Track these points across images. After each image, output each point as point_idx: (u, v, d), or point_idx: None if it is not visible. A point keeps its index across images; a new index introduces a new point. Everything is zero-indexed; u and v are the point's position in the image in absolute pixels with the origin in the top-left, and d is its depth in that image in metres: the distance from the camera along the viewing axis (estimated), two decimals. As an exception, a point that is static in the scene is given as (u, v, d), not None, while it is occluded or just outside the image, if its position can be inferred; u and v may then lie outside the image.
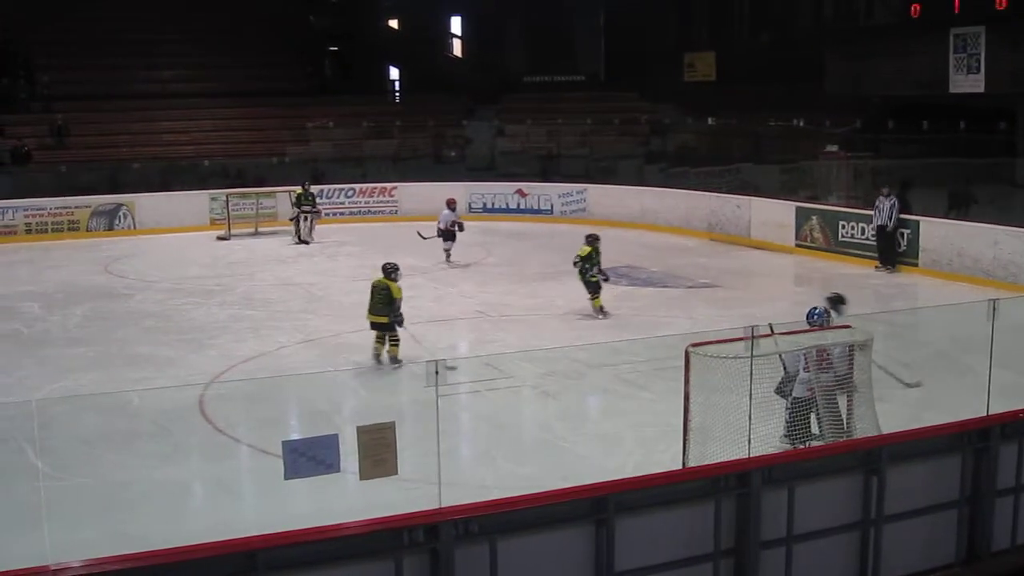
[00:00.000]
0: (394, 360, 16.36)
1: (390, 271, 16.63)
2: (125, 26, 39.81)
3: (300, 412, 14.43)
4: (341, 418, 13.82)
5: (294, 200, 30.36)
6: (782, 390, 11.49)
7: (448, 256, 25.97)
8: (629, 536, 8.87)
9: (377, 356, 16.42)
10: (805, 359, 11.41)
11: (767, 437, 10.43)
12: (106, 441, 13.22)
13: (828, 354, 11.33)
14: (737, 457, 9.74)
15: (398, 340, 16.38)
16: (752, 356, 9.92)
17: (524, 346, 17.53)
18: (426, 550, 8.30)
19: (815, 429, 11.35)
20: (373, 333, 16.60)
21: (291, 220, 30.43)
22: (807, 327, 12.21)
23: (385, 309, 16.27)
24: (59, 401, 14.03)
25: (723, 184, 31.18)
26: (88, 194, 32.42)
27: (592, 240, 20.15)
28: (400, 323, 16.27)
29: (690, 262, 25.84)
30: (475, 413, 14.46)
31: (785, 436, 11.15)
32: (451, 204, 26.51)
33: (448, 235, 26.03)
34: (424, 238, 26.24)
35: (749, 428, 9.77)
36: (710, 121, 36.06)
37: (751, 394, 9.93)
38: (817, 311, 12.46)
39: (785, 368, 11.49)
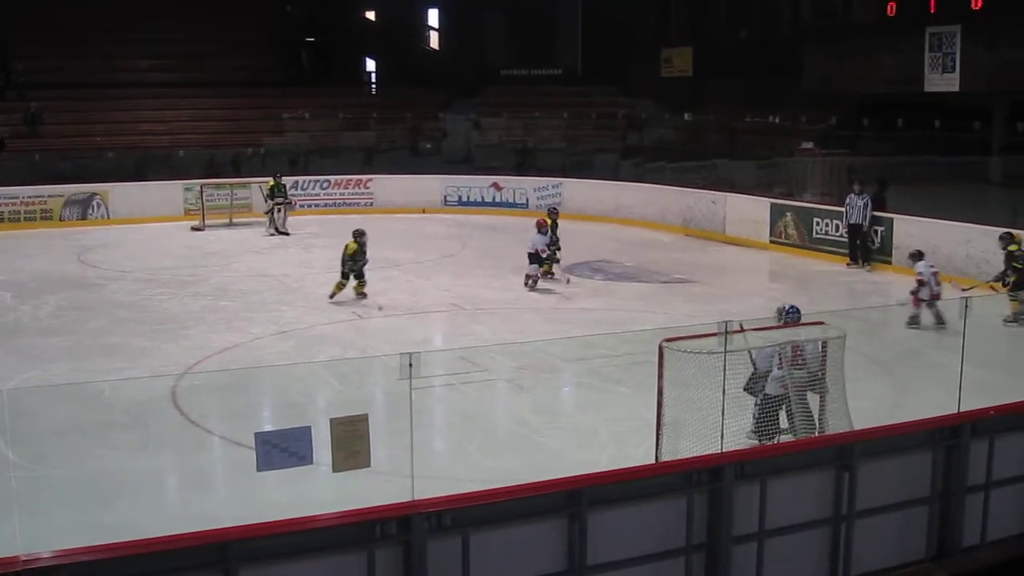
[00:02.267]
0: (360, 295, 20.49)
1: (356, 235, 20.78)
2: (102, 14, 39.61)
3: (274, 404, 14.39)
4: (315, 410, 13.80)
5: (267, 192, 30.25)
6: (751, 388, 11.52)
7: (528, 281, 21.96)
8: (602, 530, 8.89)
9: (332, 296, 20.41)
10: (779, 356, 11.44)
11: (739, 432, 10.48)
12: (79, 431, 13.16)
13: (801, 351, 11.37)
14: (709, 452, 9.78)
15: (348, 284, 20.49)
16: (725, 352, 9.96)
17: (499, 339, 17.58)
18: (399, 542, 8.30)
19: (784, 424, 11.39)
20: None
21: (266, 213, 30.31)
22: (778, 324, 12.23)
23: (347, 263, 20.51)
24: (31, 391, 13.92)
25: (699, 179, 31.24)
26: (62, 183, 32.28)
27: (551, 211, 24.35)
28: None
29: (665, 257, 25.91)
30: (449, 406, 14.46)
31: (752, 432, 11.17)
32: (540, 226, 22.58)
33: (535, 258, 22.06)
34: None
35: (722, 423, 9.81)
36: (687, 116, 36.16)
37: (724, 389, 9.98)
38: (789, 308, 12.47)
39: (755, 366, 11.51)
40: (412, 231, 24.75)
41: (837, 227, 25.18)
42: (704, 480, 9.32)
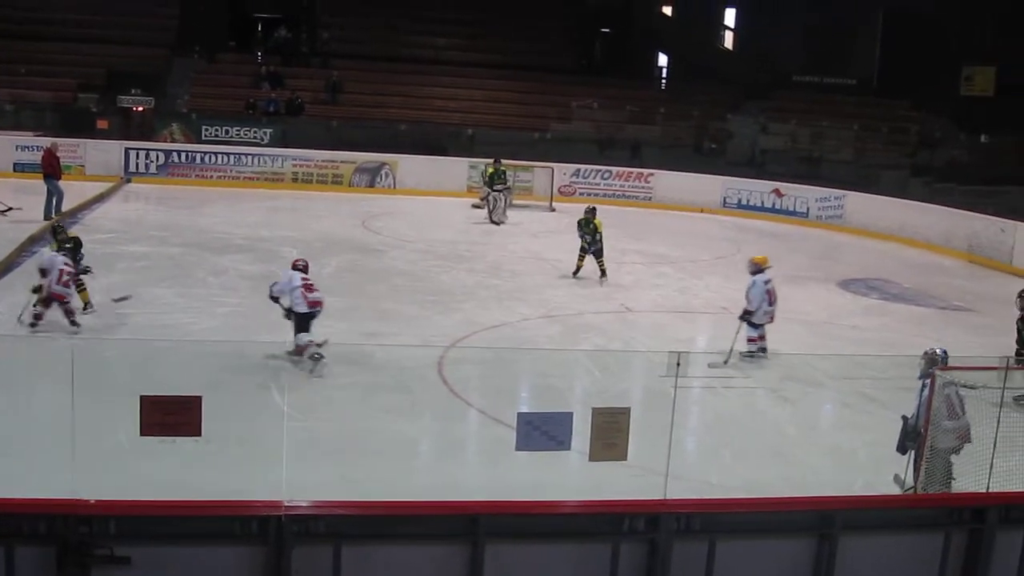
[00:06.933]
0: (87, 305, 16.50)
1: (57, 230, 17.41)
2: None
3: (533, 385, 14.59)
4: (573, 397, 13.94)
5: (485, 179, 29.86)
6: (904, 445, 10.85)
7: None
8: (852, 555, 8.70)
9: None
10: (948, 405, 10.65)
11: (1009, 473, 10.03)
12: (347, 390, 13.71)
13: (960, 399, 10.63)
14: (974, 490, 9.43)
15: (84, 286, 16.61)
16: (1004, 388, 9.57)
17: (764, 348, 17.32)
18: (645, 540, 8.32)
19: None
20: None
21: (482, 199, 30.05)
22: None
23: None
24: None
25: (989, 205, 29.95)
26: (354, 150, 33.60)
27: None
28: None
29: (945, 282, 24.97)
30: (708, 409, 14.36)
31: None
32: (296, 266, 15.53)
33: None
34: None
35: (992, 462, 9.43)
36: (983, 138, 34.75)
37: (998, 426, 9.58)
38: (943, 352, 11.50)
39: (915, 418, 10.79)
40: (689, 230, 24.56)
41: None
42: (965, 519, 9.00)
